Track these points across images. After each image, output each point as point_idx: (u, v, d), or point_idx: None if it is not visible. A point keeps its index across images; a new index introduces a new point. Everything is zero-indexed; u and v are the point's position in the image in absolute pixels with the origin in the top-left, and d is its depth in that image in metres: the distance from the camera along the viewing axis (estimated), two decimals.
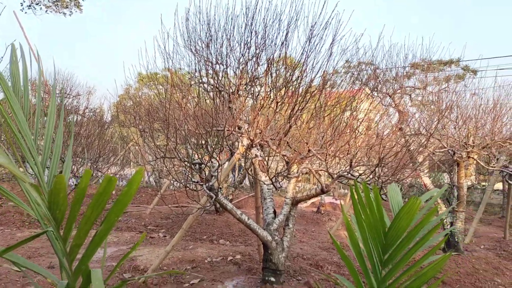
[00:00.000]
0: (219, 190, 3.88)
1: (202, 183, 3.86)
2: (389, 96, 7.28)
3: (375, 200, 2.16)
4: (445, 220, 6.53)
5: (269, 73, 4.59)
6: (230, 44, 4.81)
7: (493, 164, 7.13)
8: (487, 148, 6.36)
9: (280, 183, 4.08)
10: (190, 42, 4.98)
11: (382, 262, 2.27)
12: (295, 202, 4.31)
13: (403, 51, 6.91)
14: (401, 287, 2.31)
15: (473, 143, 5.77)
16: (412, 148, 6.99)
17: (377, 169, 3.94)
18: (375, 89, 7.04)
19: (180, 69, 5.16)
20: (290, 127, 4.21)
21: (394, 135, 4.24)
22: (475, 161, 6.31)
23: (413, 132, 7.04)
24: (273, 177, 3.78)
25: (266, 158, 4.60)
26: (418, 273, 2.29)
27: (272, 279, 4.20)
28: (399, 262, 2.25)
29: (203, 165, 3.78)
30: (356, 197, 2.32)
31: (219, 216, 8.69)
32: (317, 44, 4.06)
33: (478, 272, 5.80)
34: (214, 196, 3.61)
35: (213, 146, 3.92)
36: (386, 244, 2.22)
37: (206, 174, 3.91)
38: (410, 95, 7.37)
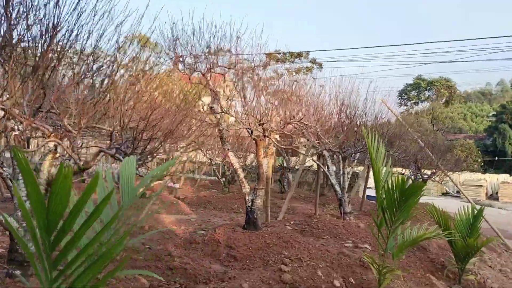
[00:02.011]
0: None
1: None
2: (202, 74, 7.18)
3: (27, 172, 1.79)
4: (247, 198, 6.72)
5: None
6: None
7: (295, 145, 7.66)
8: (286, 129, 6.74)
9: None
10: None
11: (50, 245, 1.94)
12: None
13: (213, 29, 6.82)
14: (76, 272, 2.02)
15: (268, 125, 6.01)
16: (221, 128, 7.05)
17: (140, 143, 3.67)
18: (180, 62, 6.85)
19: None
20: (45, 94, 3.66)
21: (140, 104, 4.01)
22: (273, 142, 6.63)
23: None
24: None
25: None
26: (96, 253, 2.03)
27: (19, 271, 3.61)
28: (70, 244, 1.95)
29: None
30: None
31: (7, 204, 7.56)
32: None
33: (269, 246, 6.08)
34: None
35: None
36: (49, 224, 1.88)
37: None
38: (223, 75, 7.37)
